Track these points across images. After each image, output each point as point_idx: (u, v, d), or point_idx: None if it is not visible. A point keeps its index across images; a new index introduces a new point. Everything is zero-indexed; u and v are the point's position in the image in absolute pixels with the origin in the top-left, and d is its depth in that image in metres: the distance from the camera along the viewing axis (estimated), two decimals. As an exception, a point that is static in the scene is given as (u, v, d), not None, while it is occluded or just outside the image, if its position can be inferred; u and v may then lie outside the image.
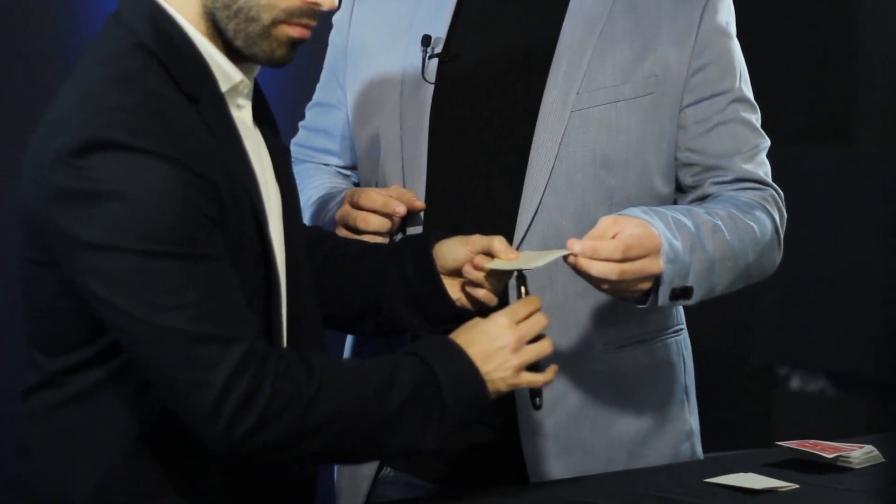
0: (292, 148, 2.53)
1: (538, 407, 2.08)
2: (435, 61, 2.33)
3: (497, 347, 1.96)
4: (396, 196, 2.28)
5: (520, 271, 2.09)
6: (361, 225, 2.28)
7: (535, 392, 2.06)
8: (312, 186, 2.44)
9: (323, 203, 2.39)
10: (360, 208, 2.29)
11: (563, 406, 2.30)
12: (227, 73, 1.91)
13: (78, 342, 1.87)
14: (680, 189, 2.37)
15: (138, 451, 1.88)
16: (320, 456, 1.92)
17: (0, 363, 2.89)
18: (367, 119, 2.40)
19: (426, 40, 2.33)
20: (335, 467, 2.43)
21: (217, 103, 1.89)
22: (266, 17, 1.88)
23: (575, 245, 2.07)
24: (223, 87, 1.90)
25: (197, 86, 1.86)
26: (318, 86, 2.53)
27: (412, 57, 2.35)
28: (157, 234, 1.76)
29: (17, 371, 2.00)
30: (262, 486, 1.96)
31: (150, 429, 1.88)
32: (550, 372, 2.02)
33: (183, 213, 1.77)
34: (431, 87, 2.33)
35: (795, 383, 3.87)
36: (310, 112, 2.54)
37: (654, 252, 2.11)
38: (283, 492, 1.99)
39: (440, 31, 2.34)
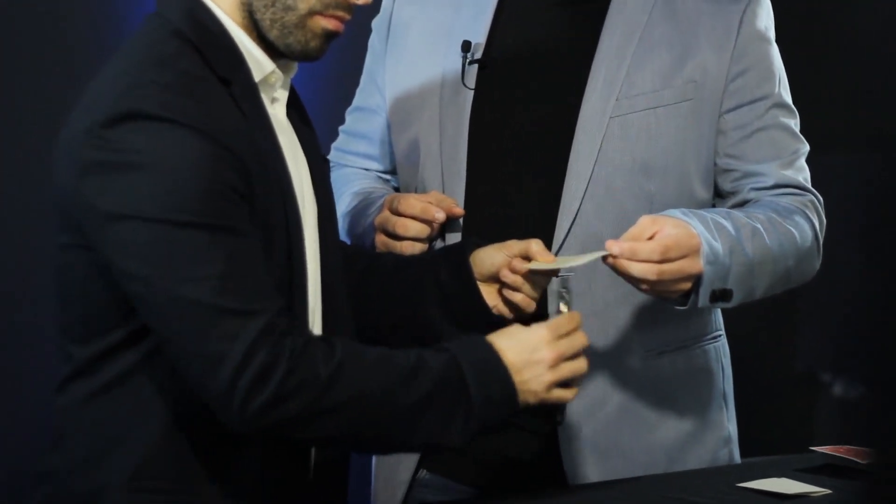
0: (332, 153, 2.55)
1: (560, 423, 2.09)
2: (475, 67, 2.34)
3: (535, 360, 1.93)
4: (436, 202, 2.28)
5: (564, 281, 2.08)
6: (401, 231, 2.28)
7: (560, 408, 2.06)
8: (351, 192, 2.45)
9: (362, 208, 2.40)
10: (400, 214, 2.29)
11: (602, 411, 2.29)
12: (259, 62, 1.93)
13: (109, 325, 1.88)
14: (719, 195, 2.36)
15: (171, 437, 1.89)
16: (340, 439, 1.89)
17: (32, 359, 2.93)
18: (406, 124, 2.40)
19: (466, 46, 2.33)
20: (372, 471, 2.43)
21: (249, 90, 1.91)
22: (302, 7, 1.91)
23: (613, 247, 2.07)
24: (256, 77, 1.92)
25: (230, 71, 1.89)
26: (357, 90, 2.54)
27: (452, 62, 2.35)
28: (183, 204, 1.77)
29: (50, 366, 2.03)
30: (296, 473, 1.96)
31: (182, 415, 1.89)
32: (577, 389, 2.00)
33: (210, 184, 1.78)
34: (471, 93, 2.33)
35: (838, 390, 3.84)
36: (350, 116, 2.55)
37: (693, 252, 2.10)
38: (317, 479, 1.99)
39: (480, 37, 2.35)
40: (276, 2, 1.90)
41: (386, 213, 2.32)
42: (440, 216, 2.27)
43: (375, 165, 2.52)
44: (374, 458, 2.43)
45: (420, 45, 2.41)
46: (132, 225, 1.78)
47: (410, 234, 2.28)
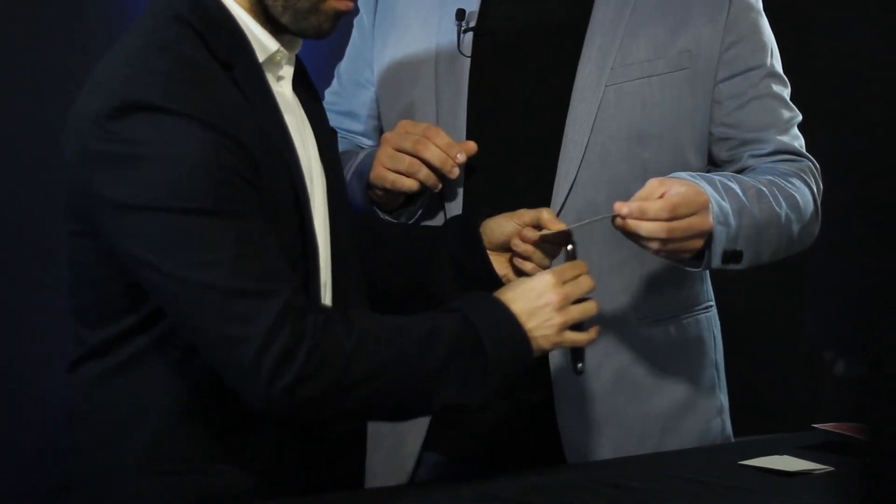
0: None
1: (580, 372, 2.07)
2: (470, 35, 2.32)
3: (541, 304, 1.95)
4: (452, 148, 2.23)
5: (570, 237, 2.08)
6: (420, 148, 2.20)
7: (578, 357, 2.05)
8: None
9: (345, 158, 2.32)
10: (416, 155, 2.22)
11: (597, 380, 2.30)
12: (263, 43, 1.93)
13: (120, 311, 1.90)
14: (714, 164, 2.38)
15: (184, 418, 1.90)
16: (364, 411, 1.91)
17: (43, 342, 2.92)
18: (399, 94, 2.39)
19: (460, 14, 2.32)
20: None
21: (253, 72, 1.91)
22: None
23: (623, 207, 2.07)
24: (260, 58, 1.93)
25: (232, 54, 1.89)
26: (337, 70, 2.51)
27: (446, 32, 2.34)
28: (191, 192, 1.77)
29: (63, 347, 2.03)
30: (310, 452, 1.96)
31: (195, 396, 1.90)
32: (593, 331, 2.01)
33: (216, 171, 1.79)
34: (468, 62, 2.32)
35: (840, 369, 3.83)
36: (330, 95, 2.51)
37: (702, 209, 2.11)
38: (332, 457, 1.99)
39: (473, 6, 2.34)
40: None
41: (400, 132, 2.24)
42: (462, 157, 2.22)
43: (363, 140, 2.49)
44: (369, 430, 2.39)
45: (410, 16, 2.40)
46: (141, 215, 1.79)
47: (428, 155, 2.21)
